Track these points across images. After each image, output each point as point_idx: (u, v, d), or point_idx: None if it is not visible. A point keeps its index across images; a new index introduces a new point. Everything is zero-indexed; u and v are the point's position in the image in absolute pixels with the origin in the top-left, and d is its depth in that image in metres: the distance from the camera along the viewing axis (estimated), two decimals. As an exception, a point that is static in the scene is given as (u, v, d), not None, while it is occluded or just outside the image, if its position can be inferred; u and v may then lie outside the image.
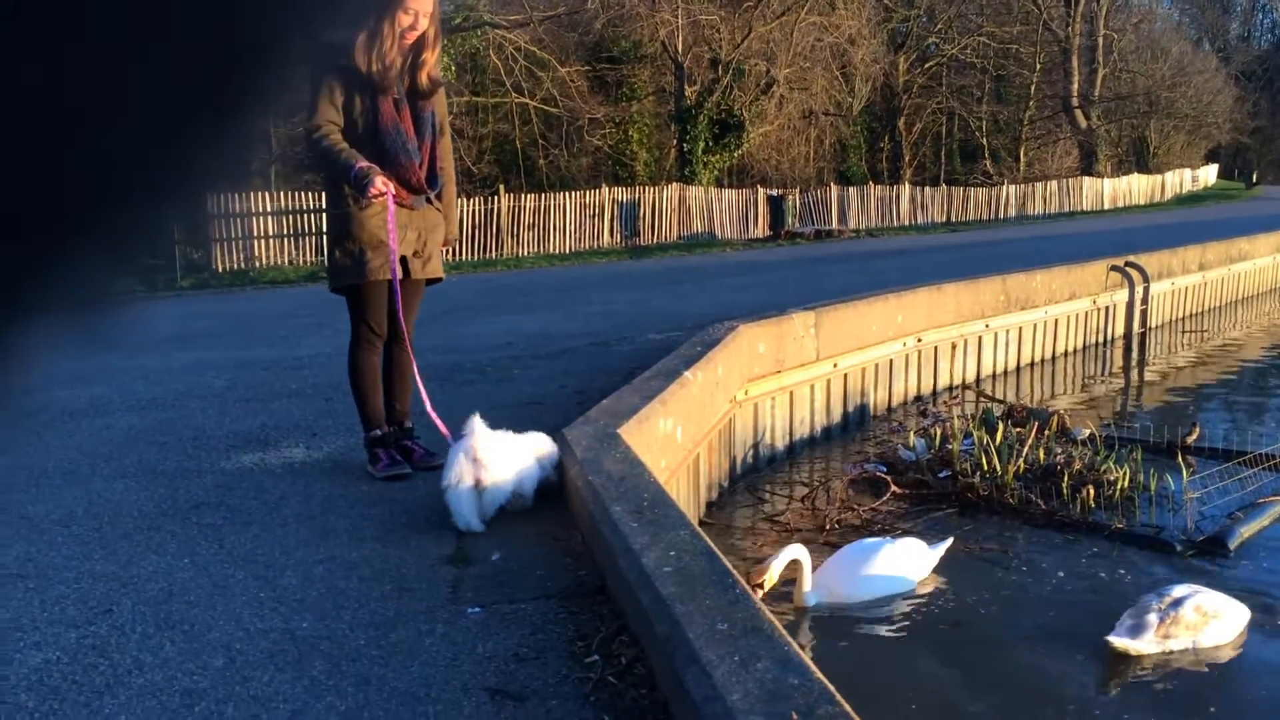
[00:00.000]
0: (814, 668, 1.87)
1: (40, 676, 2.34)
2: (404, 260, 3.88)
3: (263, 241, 20.51)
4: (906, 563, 4.39)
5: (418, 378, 3.90)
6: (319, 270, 19.36)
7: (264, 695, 2.20)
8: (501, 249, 23.43)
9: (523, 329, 8.23)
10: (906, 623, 4.11)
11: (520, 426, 4.64)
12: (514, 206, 23.82)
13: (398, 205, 3.76)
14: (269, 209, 20.56)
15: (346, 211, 3.78)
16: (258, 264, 20.25)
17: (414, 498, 3.65)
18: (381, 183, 3.63)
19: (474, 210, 23.16)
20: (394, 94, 3.76)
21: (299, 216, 20.98)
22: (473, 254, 22.96)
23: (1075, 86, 40.95)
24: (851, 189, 31.99)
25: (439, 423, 3.71)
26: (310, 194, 21.63)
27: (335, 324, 9.44)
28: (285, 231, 20.92)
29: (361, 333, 3.92)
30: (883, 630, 4.08)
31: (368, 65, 3.67)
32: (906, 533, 5.09)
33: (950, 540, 4.63)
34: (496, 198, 23.69)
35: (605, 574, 2.76)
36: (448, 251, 4.26)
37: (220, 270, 19.84)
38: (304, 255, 20.95)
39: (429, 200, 3.93)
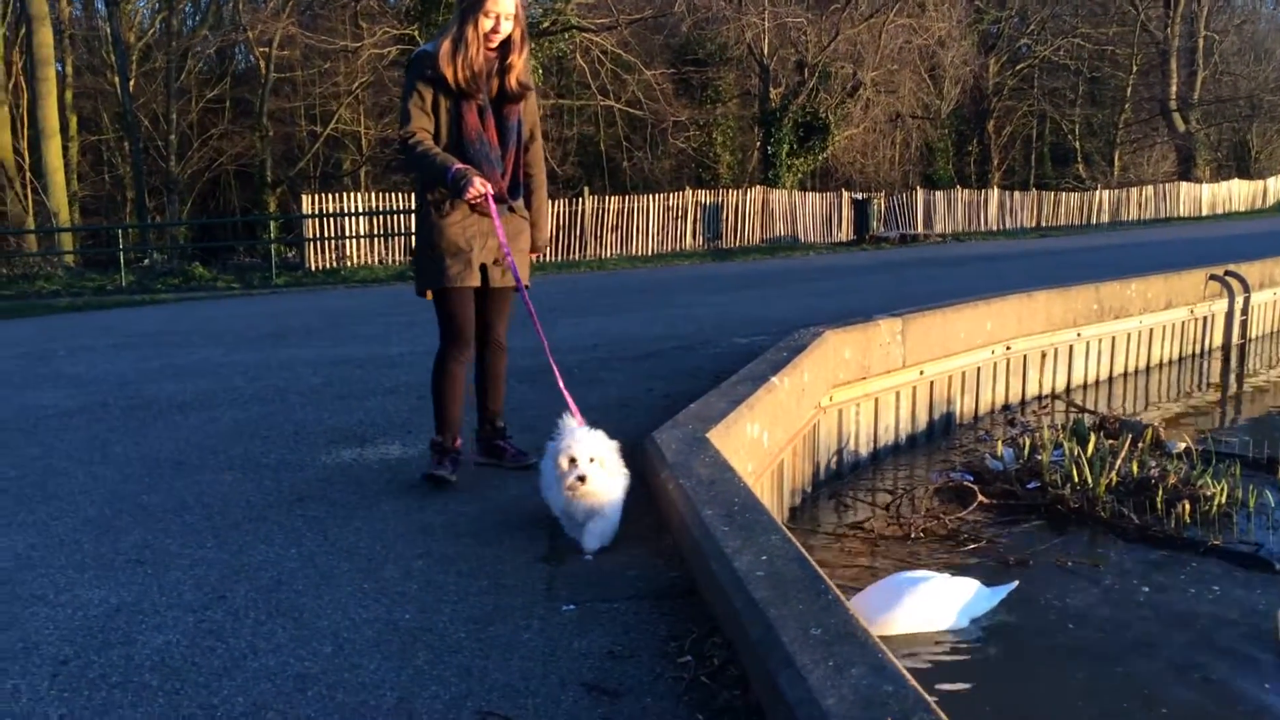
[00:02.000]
0: (908, 675, 1.90)
1: (162, 658, 2.47)
2: (484, 268, 3.87)
3: (354, 241, 20.99)
4: (950, 602, 4.04)
5: (552, 362, 3.88)
6: (407, 270, 19.77)
7: (371, 682, 2.30)
8: (585, 250, 23.65)
9: (608, 331, 8.32)
10: (995, 634, 4.08)
11: (609, 428, 4.73)
12: (598, 208, 24.01)
13: (478, 213, 3.78)
14: (360, 209, 21.03)
15: (428, 218, 3.82)
16: (349, 263, 20.73)
17: (507, 496, 3.75)
18: (480, 183, 3.63)
19: (559, 212, 23.42)
20: (479, 101, 3.76)
21: (389, 217, 21.44)
22: (557, 255, 23.21)
23: (1173, 89, 39.81)
24: (938, 193, 31.58)
25: (570, 401, 3.57)
26: (399, 195, 22.10)
27: (425, 323, 9.65)
28: (375, 231, 21.38)
29: (446, 339, 3.92)
30: (969, 641, 4.06)
31: (454, 74, 3.69)
32: (992, 543, 5.05)
33: (1014, 584, 4.27)
34: (581, 199, 23.91)
35: (696, 576, 2.81)
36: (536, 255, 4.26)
37: (314, 269, 20.35)
38: (393, 255, 21.40)
39: (510, 208, 3.91)
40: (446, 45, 3.71)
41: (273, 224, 25.47)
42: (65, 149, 26.77)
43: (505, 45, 3.78)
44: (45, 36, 24.66)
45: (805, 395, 5.51)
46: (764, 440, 4.67)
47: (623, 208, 24.40)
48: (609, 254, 23.87)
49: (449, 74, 3.69)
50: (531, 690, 2.24)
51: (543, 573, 2.97)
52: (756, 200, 26.53)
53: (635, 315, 9.64)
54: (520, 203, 3.96)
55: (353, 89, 30.14)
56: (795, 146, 29.01)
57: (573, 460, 3.14)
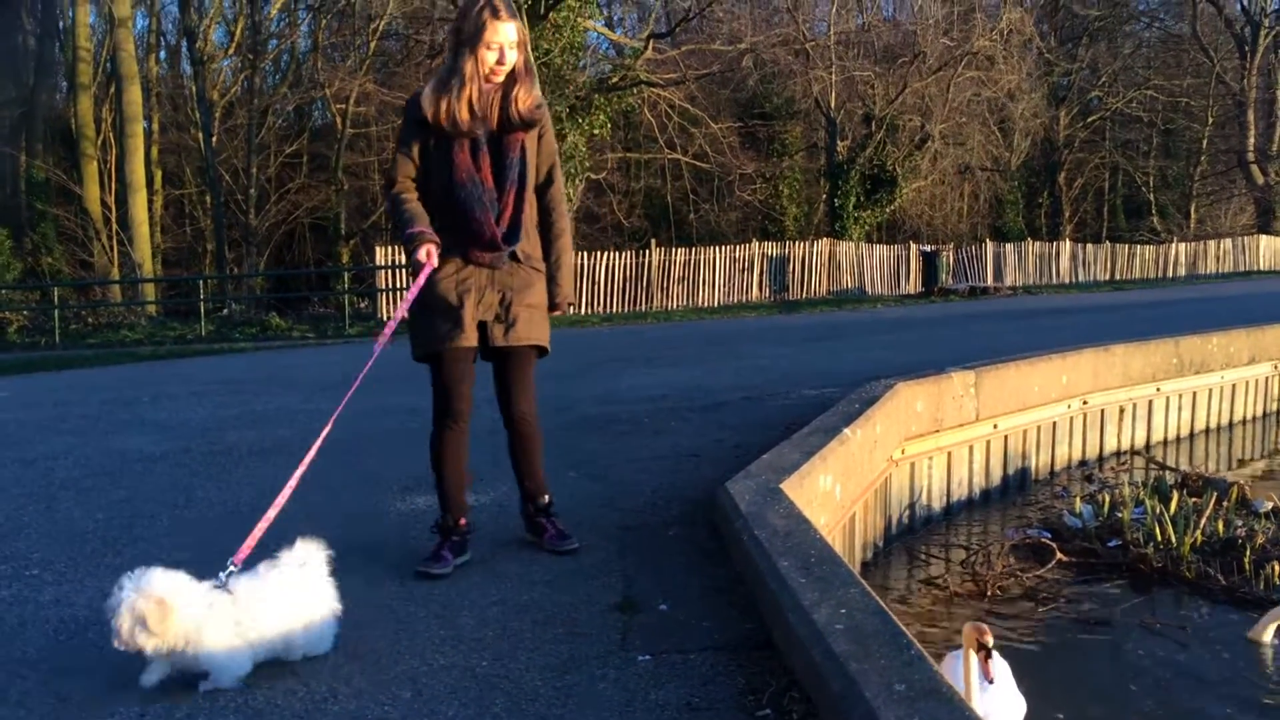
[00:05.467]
0: (996, 734, 1.86)
1: (245, 699, 2.51)
2: (483, 326, 3.48)
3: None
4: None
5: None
6: (476, 320, 20.03)
7: (450, 729, 2.31)
8: (651, 302, 23.77)
9: (675, 381, 8.33)
10: (1077, 693, 3.97)
11: (680, 478, 4.75)
12: (664, 260, 24.17)
13: (474, 266, 3.43)
14: (431, 261, 21.37)
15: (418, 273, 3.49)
16: (419, 313, 21.04)
17: (581, 544, 3.75)
18: (425, 254, 3.29)
19: (625, 263, 23.61)
20: (472, 137, 3.39)
21: (459, 268, 21.72)
22: (623, 306, 23.36)
23: (1251, 141, 39.08)
24: (1008, 245, 31.27)
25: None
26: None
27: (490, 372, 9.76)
28: (445, 282, 21.68)
29: (435, 408, 3.60)
30: (1060, 704, 3.95)
31: (434, 114, 3.35)
32: (1072, 602, 4.93)
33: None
34: (647, 251, 24.08)
35: (772, 628, 2.78)
36: (573, 308, 3.96)
37: (384, 318, 20.72)
38: (462, 305, 21.66)
39: (515, 256, 3.47)
40: (431, 85, 3.42)
41: (346, 275, 26.03)
42: (150, 203, 27.75)
43: (509, 77, 3.42)
44: (134, 95, 25.71)
45: (877, 448, 5.46)
46: (836, 492, 4.63)
47: (689, 259, 24.53)
48: (675, 305, 23.96)
49: (429, 113, 3.35)
50: (609, 741, 2.23)
51: (617, 622, 2.96)
52: (823, 252, 26.50)
53: (702, 366, 9.65)
54: (530, 251, 3.53)
55: (426, 144, 30.79)
56: (862, 199, 28.98)
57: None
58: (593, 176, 27.43)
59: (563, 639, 2.84)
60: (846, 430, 4.87)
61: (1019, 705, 3.41)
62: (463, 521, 3.63)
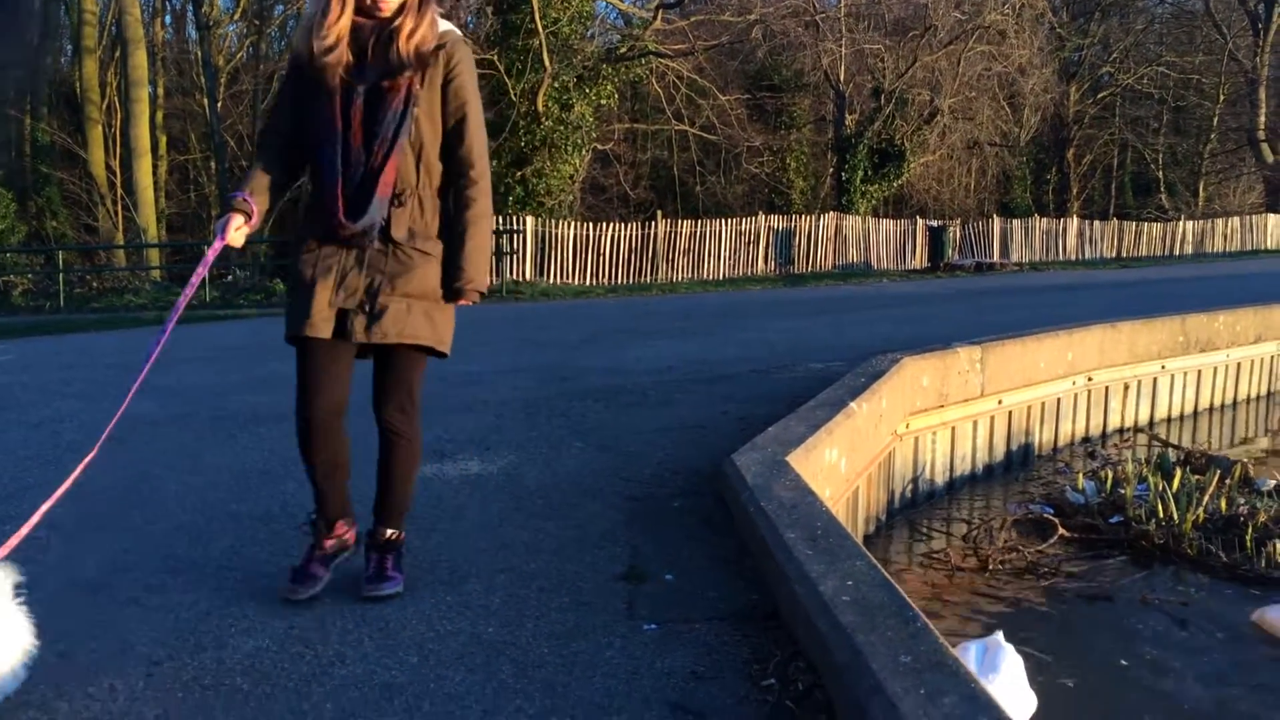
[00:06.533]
0: (1002, 706, 1.86)
1: (253, 662, 2.52)
2: (343, 315, 2.80)
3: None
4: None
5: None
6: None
7: (457, 694, 2.32)
8: (656, 274, 23.73)
9: (681, 353, 8.32)
10: (1074, 666, 3.99)
11: (686, 450, 4.75)
12: (670, 232, 24.10)
13: (344, 241, 2.76)
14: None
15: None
16: (424, 282, 21.02)
17: (586, 514, 3.76)
18: (232, 227, 2.71)
19: (630, 235, 23.56)
20: (344, 85, 2.71)
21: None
22: (628, 278, 23.33)
23: (1262, 119, 38.79)
24: (1015, 221, 31.17)
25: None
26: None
27: (500, 341, 9.77)
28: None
29: (300, 409, 2.94)
30: (1060, 678, 3.97)
31: (304, 53, 2.73)
32: (1073, 576, 4.95)
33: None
34: (653, 223, 24.02)
35: (778, 599, 2.79)
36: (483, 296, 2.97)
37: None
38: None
39: (390, 237, 2.76)
40: (307, 16, 2.80)
41: (351, 243, 25.93)
42: (154, 168, 27.66)
43: (400, 9, 2.74)
44: (140, 59, 25.56)
45: (882, 422, 5.46)
46: (841, 466, 4.63)
47: (695, 231, 24.47)
48: (680, 277, 23.92)
49: (302, 46, 2.75)
50: (616, 708, 2.24)
51: (622, 591, 2.97)
52: (829, 226, 26.41)
53: (708, 338, 9.64)
54: (416, 228, 2.80)
55: (431, 112, 30.67)
56: (870, 173, 28.84)
57: None
58: (599, 147, 27.32)
59: (569, 607, 2.85)
60: (852, 404, 4.87)
61: (1030, 701, 3.43)
62: (340, 526, 3.02)
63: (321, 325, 2.79)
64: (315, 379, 2.89)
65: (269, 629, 2.72)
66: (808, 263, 25.94)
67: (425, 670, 2.45)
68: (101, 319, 16.14)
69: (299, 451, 2.98)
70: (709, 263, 24.58)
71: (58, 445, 5.21)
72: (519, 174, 23.07)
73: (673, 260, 24.08)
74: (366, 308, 2.78)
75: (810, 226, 26.14)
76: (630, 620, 2.75)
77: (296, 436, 2.96)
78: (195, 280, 2.86)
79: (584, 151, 24.46)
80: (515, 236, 21.62)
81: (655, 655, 2.51)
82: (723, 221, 25.28)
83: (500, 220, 21.99)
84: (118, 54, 27.52)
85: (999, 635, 3.60)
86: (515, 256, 21.72)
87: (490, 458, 4.71)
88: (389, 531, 3.02)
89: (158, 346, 2.66)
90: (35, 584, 3.13)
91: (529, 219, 22.22)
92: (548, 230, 22.43)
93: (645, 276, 23.55)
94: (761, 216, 25.92)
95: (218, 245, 2.75)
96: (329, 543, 3.00)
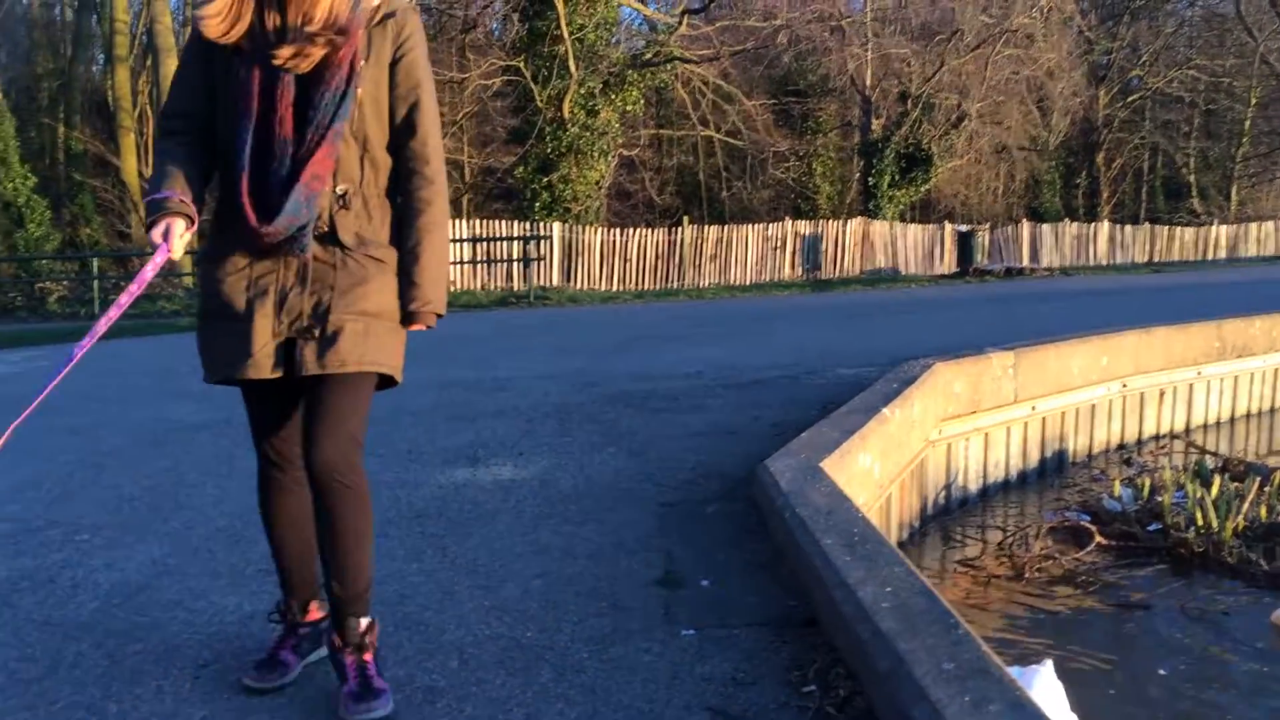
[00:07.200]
0: (1048, 714, 1.85)
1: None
2: (290, 345, 2.24)
3: (456, 267, 21.44)
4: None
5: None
6: (509, 295, 20.11)
7: (499, 697, 2.33)
8: (683, 279, 23.75)
9: (711, 359, 8.32)
10: (1121, 679, 3.95)
11: (719, 455, 4.75)
12: (696, 237, 24.12)
13: (270, 260, 2.24)
14: (464, 236, 21.48)
15: (202, 262, 2.40)
16: (452, 288, 21.18)
17: (620, 519, 3.77)
18: (161, 232, 2.18)
19: (657, 241, 23.59)
20: (264, 61, 2.18)
21: (490, 244, 21.84)
22: (655, 283, 23.36)
23: (1295, 121, 38.34)
24: (1044, 226, 30.96)
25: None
26: (501, 222, 22.53)
27: (530, 349, 9.80)
28: (478, 258, 21.80)
29: (258, 456, 2.45)
30: (1099, 687, 3.93)
31: (213, 21, 2.19)
32: (1111, 585, 4.90)
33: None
34: (679, 228, 24.04)
35: (817, 605, 2.79)
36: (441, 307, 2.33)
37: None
38: (495, 281, 21.79)
39: (340, 242, 2.24)
40: None
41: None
42: (187, 175, 27.90)
43: None
44: (171, 67, 25.83)
45: (915, 428, 5.44)
46: (875, 472, 4.62)
47: (721, 237, 24.46)
48: (706, 283, 23.92)
49: (207, 23, 2.20)
50: (656, 713, 2.24)
51: (660, 596, 2.98)
52: (857, 231, 26.33)
53: (737, 344, 9.63)
54: (366, 234, 2.27)
55: (457, 119, 30.87)
56: (897, 178, 28.74)
57: None
58: (625, 153, 27.37)
59: (606, 612, 2.85)
60: (885, 410, 4.85)
61: None
62: (314, 608, 2.51)
63: (265, 363, 2.24)
64: (261, 423, 2.42)
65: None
66: (835, 268, 25.87)
67: (465, 674, 2.46)
68: (136, 325, 16.32)
69: (261, 514, 2.48)
70: (735, 268, 24.57)
71: (98, 450, 5.28)
72: (545, 180, 23.17)
73: (699, 266, 24.08)
74: (316, 332, 2.22)
75: (837, 232, 26.06)
76: (668, 625, 2.75)
77: (259, 492, 2.47)
78: (126, 300, 2.26)
79: (610, 157, 24.51)
80: (543, 243, 21.71)
81: (694, 660, 2.52)
82: (749, 227, 25.26)
83: (528, 226, 22.08)
84: (149, 62, 27.84)
85: (1049, 664, 3.42)
86: (543, 262, 21.81)
87: (523, 463, 4.73)
88: (361, 623, 2.33)
89: (69, 364, 2.11)
90: (80, 587, 3.18)
91: (556, 225, 22.31)
92: (575, 236, 22.50)
93: (672, 282, 23.57)
94: (788, 222, 25.89)
95: (159, 259, 2.19)
96: (314, 611, 2.52)
